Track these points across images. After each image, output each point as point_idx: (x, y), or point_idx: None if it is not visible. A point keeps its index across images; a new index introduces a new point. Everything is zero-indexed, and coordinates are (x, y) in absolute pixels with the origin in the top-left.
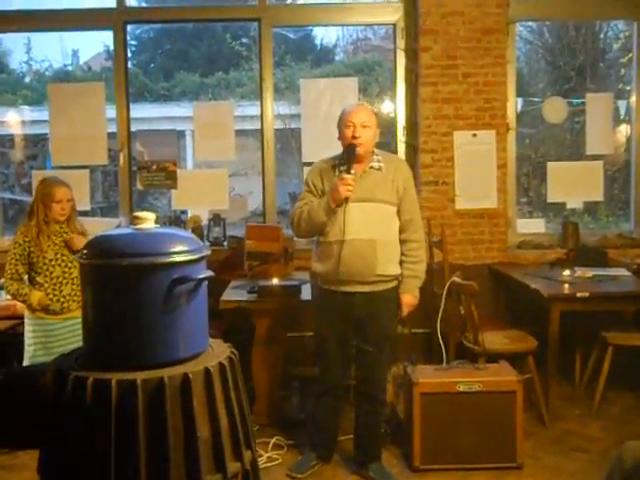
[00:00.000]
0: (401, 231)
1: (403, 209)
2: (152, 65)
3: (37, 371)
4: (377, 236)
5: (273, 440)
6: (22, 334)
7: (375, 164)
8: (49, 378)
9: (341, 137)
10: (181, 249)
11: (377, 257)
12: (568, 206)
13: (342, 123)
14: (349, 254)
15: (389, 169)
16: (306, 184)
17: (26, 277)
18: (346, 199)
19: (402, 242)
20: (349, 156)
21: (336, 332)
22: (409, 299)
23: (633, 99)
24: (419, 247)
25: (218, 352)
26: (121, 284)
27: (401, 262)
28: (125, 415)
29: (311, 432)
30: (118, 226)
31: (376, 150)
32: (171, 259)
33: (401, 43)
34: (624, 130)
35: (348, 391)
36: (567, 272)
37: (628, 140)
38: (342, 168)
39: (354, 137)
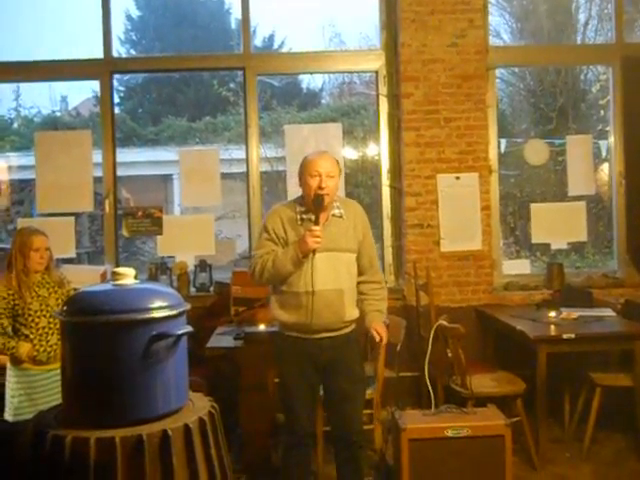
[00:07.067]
0: (361, 273)
1: (363, 253)
2: (140, 110)
3: (16, 430)
4: (343, 285)
5: None
6: (2, 385)
7: (336, 211)
8: (28, 437)
9: (303, 185)
10: (160, 305)
11: (345, 305)
12: (553, 247)
13: (306, 172)
14: (319, 305)
15: (349, 215)
16: (266, 231)
17: (10, 329)
18: (313, 251)
19: (362, 283)
20: (316, 207)
21: (304, 379)
22: (381, 326)
23: (612, 140)
24: (382, 287)
25: (198, 407)
26: (100, 341)
27: (362, 300)
28: (104, 473)
29: None
30: (103, 274)
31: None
32: (150, 315)
33: (383, 89)
34: (607, 169)
35: (316, 438)
36: (553, 313)
37: (610, 179)
38: (305, 216)
39: (320, 187)
